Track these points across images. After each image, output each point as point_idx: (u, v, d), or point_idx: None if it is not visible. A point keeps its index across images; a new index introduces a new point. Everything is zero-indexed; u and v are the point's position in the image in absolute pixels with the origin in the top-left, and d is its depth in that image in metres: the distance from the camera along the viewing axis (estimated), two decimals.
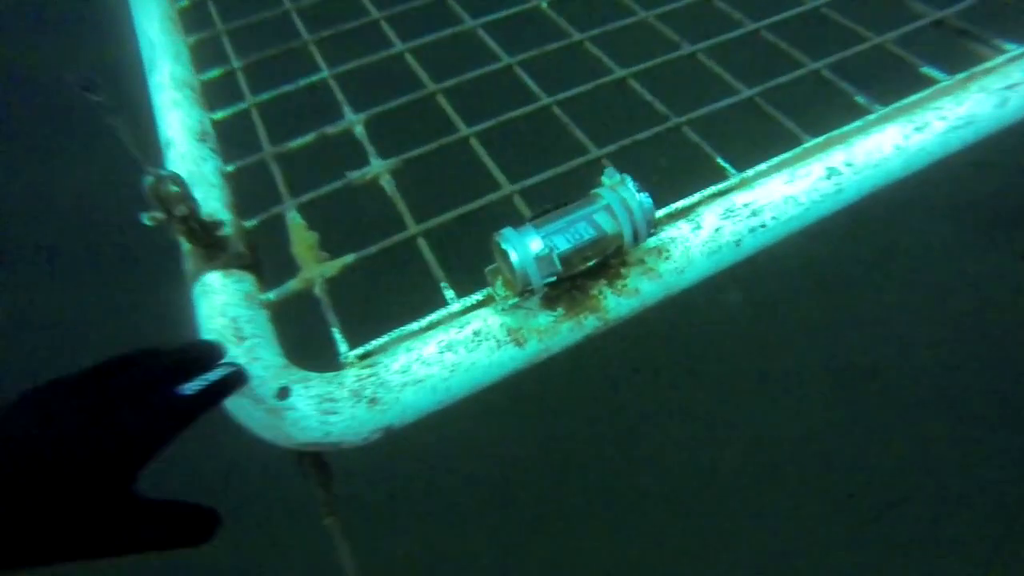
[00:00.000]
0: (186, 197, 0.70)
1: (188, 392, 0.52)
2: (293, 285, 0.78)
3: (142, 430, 0.48)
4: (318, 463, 0.70)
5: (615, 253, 0.69)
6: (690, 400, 1.69)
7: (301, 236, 0.82)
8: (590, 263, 0.67)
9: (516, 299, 0.67)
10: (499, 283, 0.70)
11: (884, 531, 1.52)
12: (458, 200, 0.84)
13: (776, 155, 0.83)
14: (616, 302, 0.72)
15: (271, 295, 0.77)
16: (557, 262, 0.64)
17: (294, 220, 0.84)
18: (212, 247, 0.76)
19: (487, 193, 0.84)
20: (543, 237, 0.65)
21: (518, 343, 0.70)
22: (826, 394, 1.70)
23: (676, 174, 0.88)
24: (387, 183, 0.88)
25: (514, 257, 0.63)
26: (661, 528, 1.53)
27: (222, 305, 0.73)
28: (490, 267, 0.70)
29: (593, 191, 0.69)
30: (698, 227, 0.77)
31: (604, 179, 0.69)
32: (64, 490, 0.44)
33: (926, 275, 1.87)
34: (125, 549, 0.47)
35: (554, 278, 0.65)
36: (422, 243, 0.81)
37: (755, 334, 1.78)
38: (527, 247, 0.64)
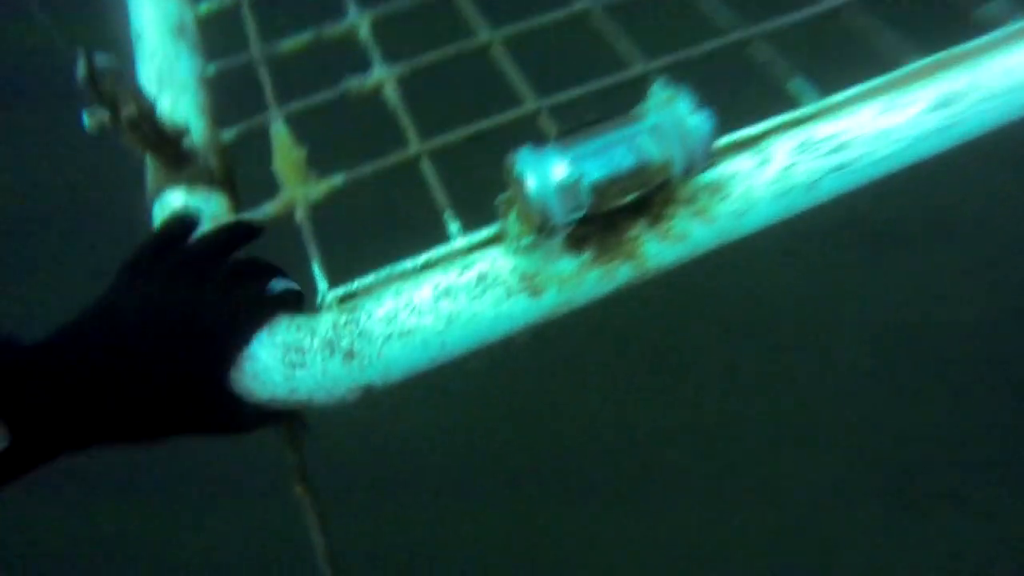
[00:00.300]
0: (136, 95, 0.57)
1: (278, 290, 0.56)
2: (270, 208, 0.65)
3: (251, 319, 0.53)
4: (288, 420, 0.59)
5: (660, 188, 0.54)
6: (722, 353, 1.58)
7: (286, 152, 0.69)
8: (628, 198, 0.53)
9: (532, 237, 0.54)
10: (512, 217, 0.56)
11: (909, 493, 1.44)
12: (474, 119, 0.70)
13: (870, 78, 0.67)
14: (658, 248, 0.58)
15: (244, 218, 0.65)
16: (586, 193, 0.50)
17: (279, 132, 0.71)
18: (176, 159, 0.64)
19: (509, 110, 0.70)
20: (570, 161, 0.50)
21: (533, 292, 0.57)
22: (863, 352, 1.58)
23: (741, 101, 0.72)
24: (391, 94, 0.74)
25: (531, 184, 0.50)
26: (683, 490, 1.44)
27: None
28: (502, 197, 0.56)
29: (638, 105, 0.55)
30: (765, 162, 0.62)
31: (652, 93, 0.54)
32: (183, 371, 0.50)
33: (988, 235, 1.71)
34: (223, 429, 0.54)
35: (582, 214, 0.51)
36: (426, 165, 0.68)
37: (793, 287, 1.66)
38: (548, 172, 0.50)
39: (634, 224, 0.58)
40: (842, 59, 0.72)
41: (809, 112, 0.66)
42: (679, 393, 1.56)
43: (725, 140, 0.64)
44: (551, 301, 0.57)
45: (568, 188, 0.49)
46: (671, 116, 0.52)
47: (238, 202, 0.67)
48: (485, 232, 0.60)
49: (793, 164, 0.61)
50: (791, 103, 0.68)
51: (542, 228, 0.52)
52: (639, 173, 0.53)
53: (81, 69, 0.54)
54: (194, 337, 0.51)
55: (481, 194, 0.69)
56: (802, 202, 0.62)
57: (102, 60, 0.54)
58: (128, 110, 0.57)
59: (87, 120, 0.57)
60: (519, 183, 0.51)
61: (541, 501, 1.45)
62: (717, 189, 0.60)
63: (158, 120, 0.61)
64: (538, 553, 1.40)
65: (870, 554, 1.39)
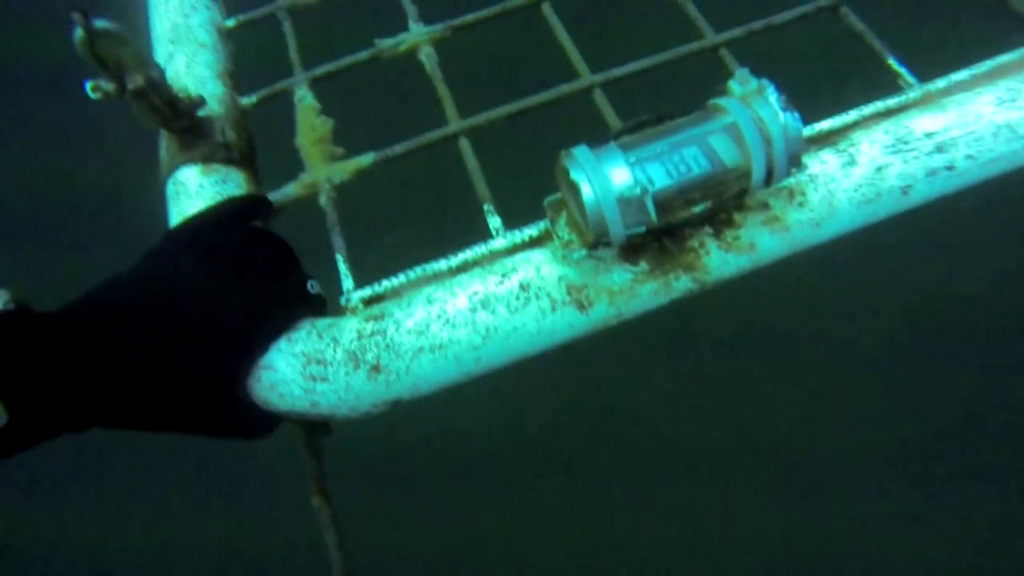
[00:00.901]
0: (142, 61, 0.51)
1: (314, 290, 0.53)
2: (291, 190, 0.59)
3: (283, 316, 0.50)
4: (307, 430, 0.55)
5: (735, 197, 0.47)
6: (746, 308, 1.50)
7: (310, 123, 0.63)
8: (697, 209, 0.46)
9: (584, 252, 0.48)
10: (562, 222, 0.50)
11: (934, 462, 1.37)
12: (519, 91, 0.62)
13: (983, 59, 0.57)
14: (721, 260, 0.52)
15: None
16: (651, 208, 0.43)
17: (304, 101, 0.64)
18: (190, 132, 0.58)
19: (559, 84, 0.62)
20: (632, 166, 0.44)
21: (580, 305, 0.51)
22: (897, 318, 1.49)
23: (823, 81, 0.63)
24: (427, 57, 0.66)
25: (587, 193, 0.43)
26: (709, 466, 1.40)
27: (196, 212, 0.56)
28: (551, 198, 0.50)
29: (712, 101, 0.47)
30: (851, 162, 0.54)
31: (732, 85, 0.46)
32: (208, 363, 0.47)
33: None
34: (235, 433, 0.50)
35: (643, 228, 0.45)
36: (464, 145, 0.61)
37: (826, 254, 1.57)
38: (607, 180, 0.43)
39: (696, 233, 0.51)
40: (951, 34, 0.62)
41: (907, 100, 0.57)
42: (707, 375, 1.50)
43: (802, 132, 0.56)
44: (600, 315, 0.51)
45: (630, 200, 0.43)
46: (754, 113, 0.45)
47: (258, 181, 0.61)
48: (528, 231, 0.54)
49: (885, 165, 0.53)
50: (878, 89, 0.59)
51: (597, 243, 0.45)
52: (712, 181, 0.45)
53: (78, 34, 0.47)
54: (213, 334, 0.47)
55: (520, 181, 0.62)
56: (891, 209, 0.55)
57: (101, 23, 0.48)
58: (134, 79, 0.51)
59: (90, 91, 0.51)
60: (574, 190, 0.44)
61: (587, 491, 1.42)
62: (793, 194, 0.52)
63: (169, 89, 0.55)
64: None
65: (895, 531, 1.36)
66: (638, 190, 0.42)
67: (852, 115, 0.57)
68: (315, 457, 0.56)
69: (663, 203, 0.45)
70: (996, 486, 1.36)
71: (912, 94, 0.57)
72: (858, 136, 0.55)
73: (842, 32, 0.64)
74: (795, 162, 0.46)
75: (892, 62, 0.61)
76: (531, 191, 0.54)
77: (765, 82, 0.45)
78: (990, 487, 1.36)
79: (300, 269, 0.53)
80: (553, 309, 0.51)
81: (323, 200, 0.59)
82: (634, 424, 1.40)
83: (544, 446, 1.31)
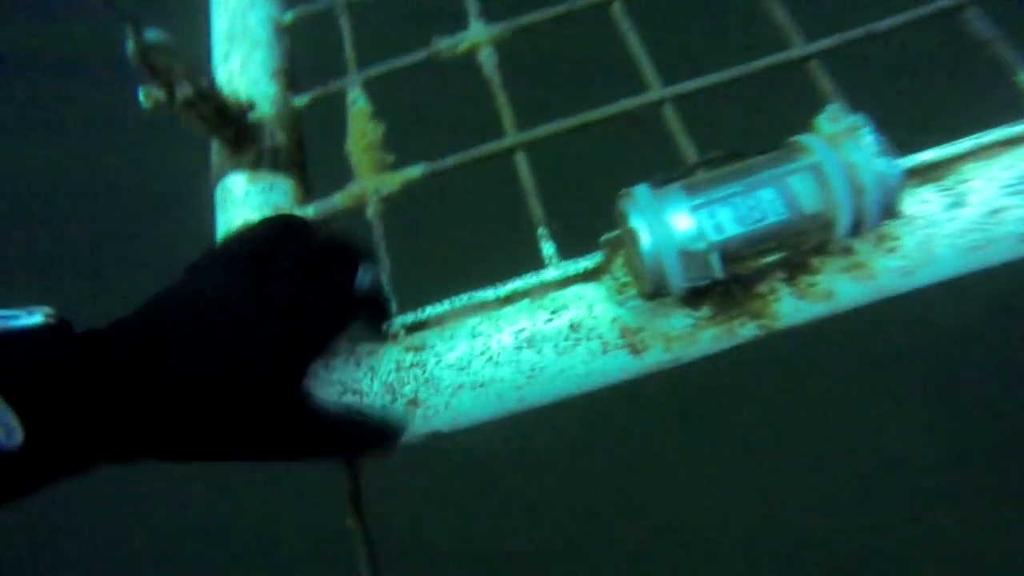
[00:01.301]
0: (191, 72, 0.49)
1: (362, 292, 0.46)
2: (338, 200, 0.57)
3: (333, 324, 0.45)
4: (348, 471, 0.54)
5: (816, 248, 0.42)
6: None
7: (362, 128, 0.60)
8: (770, 260, 0.41)
9: (639, 301, 0.44)
10: (619, 262, 0.46)
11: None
12: (582, 101, 0.58)
13: None
14: (793, 307, 0.47)
15: (309, 209, 0.57)
16: (717, 264, 0.38)
17: (356, 103, 0.62)
18: (238, 138, 0.56)
19: (627, 96, 0.57)
20: (697, 212, 0.39)
21: (634, 350, 0.47)
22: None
23: (931, 102, 0.56)
24: (487, 58, 0.62)
25: (645, 242, 0.39)
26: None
27: (242, 221, 0.55)
28: (609, 235, 0.46)
29: (795, 139, 0.41)
30: (959, 203, 0.47)
31: (820, 122, 0.40)
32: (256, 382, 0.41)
33: None
34: (301, 452, 0.45)
35: (707, 282, 0.40)
36: (520, 160, 0.57)
37: None
38: (669, 228, 0.39)
39: (768, 277, 0.46)
40: None
41: None
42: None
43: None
44: (654, 359, 0.47)
45: (693, 255, 0.38)
46: (844, 158, 0.39)
47: (307, 188, 0.59)
48: (584, 262, 0.50)
49: (1003, 209, 0.46)
50: (1002, 112, 0.52)
51: (655, 293, 0.41)
52: (790, 231, 0.40)
53: (130, 45, 0.46)
54: (261, 346, 0.43)
55: (581, 202, 0.58)
56: (1004, 257, 0.48)
57: (153, 35, 0.46)
58: (183, 89, 0.49)
59: (143, 99, 0.50)
60: (631, 235, 0.40)
61: None
62: (883, 238, 0.46)
63: (218, 97, 0.53)
64: None
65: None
66: (703, 244, 0.38)
67: (965, 144, 0.49)
68: (353, 477, 0.54)
69: (732, 254, 0.40)
70: None
71: None
72: (970, 170, 0.48)
73: (957, 39, 0.56)
74: (891, 214, 0.40)
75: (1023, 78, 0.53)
76: (592, 214, 0.50)
77: (859, 119, 0.39)
78: None
79: (350, 269, 0.47)
80: (604, 352, 0.47)
81: (370, 212, 0.57)
82: None
83: None
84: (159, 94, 0.50)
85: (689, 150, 0.54)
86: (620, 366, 0.48)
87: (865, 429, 1.34)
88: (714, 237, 0.39)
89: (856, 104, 0.55)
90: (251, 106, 0.56)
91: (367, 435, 0.47)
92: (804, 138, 0.41)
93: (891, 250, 0.47)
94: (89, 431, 0.38)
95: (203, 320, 0.42)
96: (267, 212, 0.55)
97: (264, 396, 0.42)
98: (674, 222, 0.39)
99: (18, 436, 0.34)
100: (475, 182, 0.56)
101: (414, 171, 0.57)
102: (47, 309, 0.41)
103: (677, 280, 0.39)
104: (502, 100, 0.60)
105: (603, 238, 0.45)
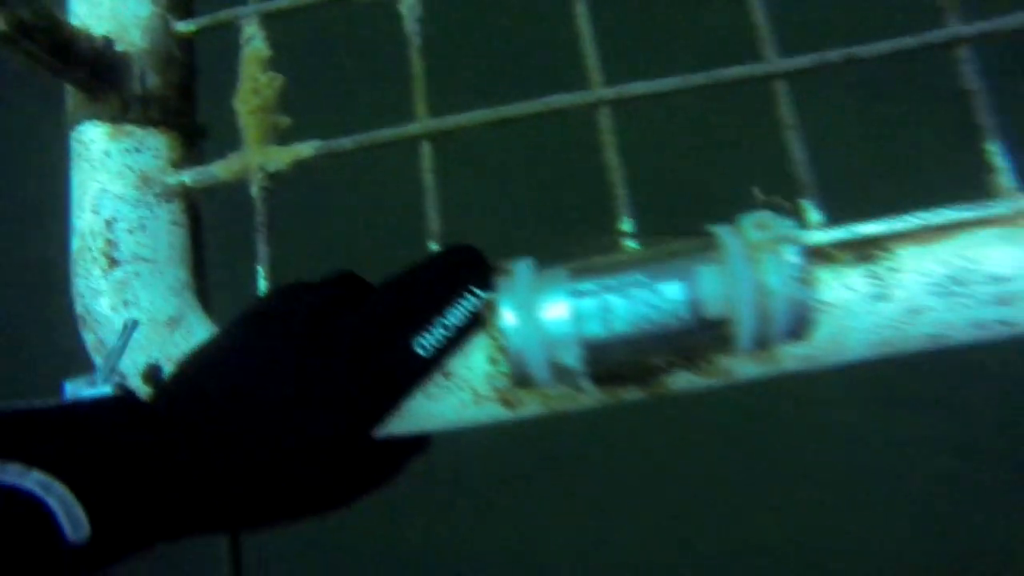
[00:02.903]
0: None
1: (427, 352, 0.40)
2: (217, 171, 0.50)
3: (388, 395, 0.41)
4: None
5: (710, 355, 0.38)
6: None
7: (254, 80, 0.51)
8: (655, 362, 0.37)
9: (507, 383, 0.40)
10: (493, 335, 0.41)
11: None
12: (518, 87, 0.49)
13: None
14: (687, 380, 0.43)
15: (184, 177, 0.50)
16: (588, 386, 0.34)
17: (251, 43, 0.52)
18: (93, 80, 0.47)
19: (556, 91, 0.49)
20: (576, 298, 0.34)
21: (507, 404, 0.44)
22: None
23: (887, 151, 0.49)
24: (408, 9, 0.52)
25: (512, 338, 0.34)
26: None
27: (97, 190, 0.47)
28: (487, 295, 0.40)
29: (714, 231, 0.36)
30: (883, 296, 0.42)
31: (746, 224, 0.35)
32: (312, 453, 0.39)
33: None
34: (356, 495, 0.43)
35: (575, 384, 0.36)
36: (426, 151, 0.49)
37: None
38: (540, 325, 0.34)
39: (660, 358, 0.42)
40: None
41: (990, 215, 0.44)
42: None
43: (831, 235, 0.43)
44: (530, 412, 0.44)
45: (562, 367, 0.34)
46: (761, 274, 0.34)
47: (188, 149, 0.51)
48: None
49: (925, 309, 0.42)
50: (960, 182, 0.46)
51: (520, 382, 0.37)
52: (686, 338, 0.36)
53: None
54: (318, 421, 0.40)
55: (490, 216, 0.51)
56: (906, 351, 0.45)
57: None
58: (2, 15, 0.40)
59: None
60: (493, 312, 0.35)
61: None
62: None
63: (62, 29, 0.44)
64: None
65: None
66: (571, 359, 0.33)
67: (908, 222, 0.44)
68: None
69: (612, 356, 0.36)
70: None
71: (999, 208, 0.44)
72: (905, 257, 0.43)
73: (939, 81, 0.49)
74: (799, 334, 0.36)
75: (994, 149, 0.46)
76: (507, 235, 0.44)
77: (788, 231, 0.34)
78: None
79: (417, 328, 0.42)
80: (475, 403, 0.44)
81: (254, 191, 0.50)
82: None
83: None
84: None
85: (613, 162, 0.47)
86: (492, 415, 0.44)
87: None
88: (597, 333, 0.35)
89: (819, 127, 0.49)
90: (108, 43, 0.46)
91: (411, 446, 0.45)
92: (725, 236, 0.35)
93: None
94: (150, 519, 0.37)
95: (255, 398, 0.39)
96: (130, 181, 0.48)
97: (321, 468, 0.39)
98: (549, 315, 0.34)
99: (85, 530, 0.33)
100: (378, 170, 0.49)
101: (306, 148, 0.50)
102: (116, 378, 0.40)
103: (543, 382, 0.36)
104: (418, 68, 0.51)
105: (484, 299, 0.40)
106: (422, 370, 0.41)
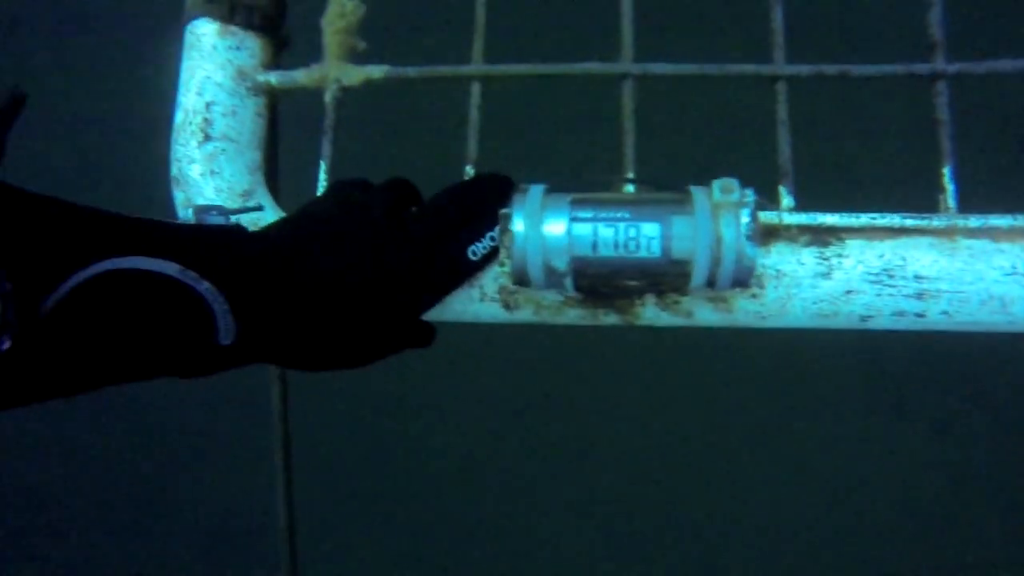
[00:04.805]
0: None
1: (475, 257, 0.48)
2: (300, 77, 0.59)
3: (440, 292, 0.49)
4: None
5: (672, 286, 0.47)
6: None
7: (341, 6, 0.60)
8: (632, 283, 0.47)
9: (508, 281, 0.49)
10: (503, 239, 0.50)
11: None
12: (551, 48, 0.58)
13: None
14: (655, 314, 0.53)
15: (271, 77, 0.59)
16: (570, 287, 0.44)
17: None
18: None
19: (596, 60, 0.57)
20: (576, 223, 0.43)
21: (507, 306, 0.53)
22: None
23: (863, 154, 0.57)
24: None
25: (517, 240, 0.44)
26: None
27: (202, 77, 0.57)
28: (504, 211, 0.50)
29: (691, 188, 0.45)
30: (826, 274, 0.52)
31: (715, 186, 0.44)
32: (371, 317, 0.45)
33: None
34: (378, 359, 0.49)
35: (566, 293, 0.46)
36: (475, 92, 0.58)
37: None
38: (542, 234, 0.44)
39: (634, 287, 0.51)
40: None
41: (927, 225, 0.53)
42: None
43: (796, 219, 0.53)
44: (523, 318, 0.54)
45: (553, 269, 0.44)
46: (719, 227, 0.43)
47: (275, 54, 0.60)
48: None
49: (857, 292, 0.52)
50: (918, 194, 0.55)
51: (519, 280, 0.47)
52: (654, 269, 0.45)
53: None
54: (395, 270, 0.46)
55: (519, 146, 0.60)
56: (843, 327, 0.54)
57: None
58: None
59: None
60: (505, 220, 0.45)
61: None
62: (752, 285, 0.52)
63: None
64: None
65: None
66: (563, 264, 0.43)
67: (862, 219, 0.53)
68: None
69: (594, 275, 0.45)
70: None
71: (937, 222, 0.53)
72: (852, 247, 0.52)
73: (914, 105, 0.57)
74: (743, 283, 0.45)
75: (947, 172, 0.55)
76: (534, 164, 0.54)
77: (747, 197, 0.43)
78: None
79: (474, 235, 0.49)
80: (481, 299, 0.53)
81: (328, 98, 0.59)
82: None
83: None
84: None
85: (629, 125, 0.56)
86: (492, 315, 0.54)
87: None
88: (586, 253, 0.44)
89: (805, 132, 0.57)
90: None
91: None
92: (698, 194, 0.44)
93: (754, 296, 0.52)
94: (269, 336, 0.42)
95: (340, 264, 0.45)
96: (229, 73, 0.57)
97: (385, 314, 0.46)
98: (549, 229, 0.44)
99: (232, 337, 0.40)
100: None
101: (376, 71, 0.59)
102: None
103: (536, 283, 0.45)
104: (481, 21, 0.60)
105: (501, 211, 0.49)
106: (469, 272, 0.49)
